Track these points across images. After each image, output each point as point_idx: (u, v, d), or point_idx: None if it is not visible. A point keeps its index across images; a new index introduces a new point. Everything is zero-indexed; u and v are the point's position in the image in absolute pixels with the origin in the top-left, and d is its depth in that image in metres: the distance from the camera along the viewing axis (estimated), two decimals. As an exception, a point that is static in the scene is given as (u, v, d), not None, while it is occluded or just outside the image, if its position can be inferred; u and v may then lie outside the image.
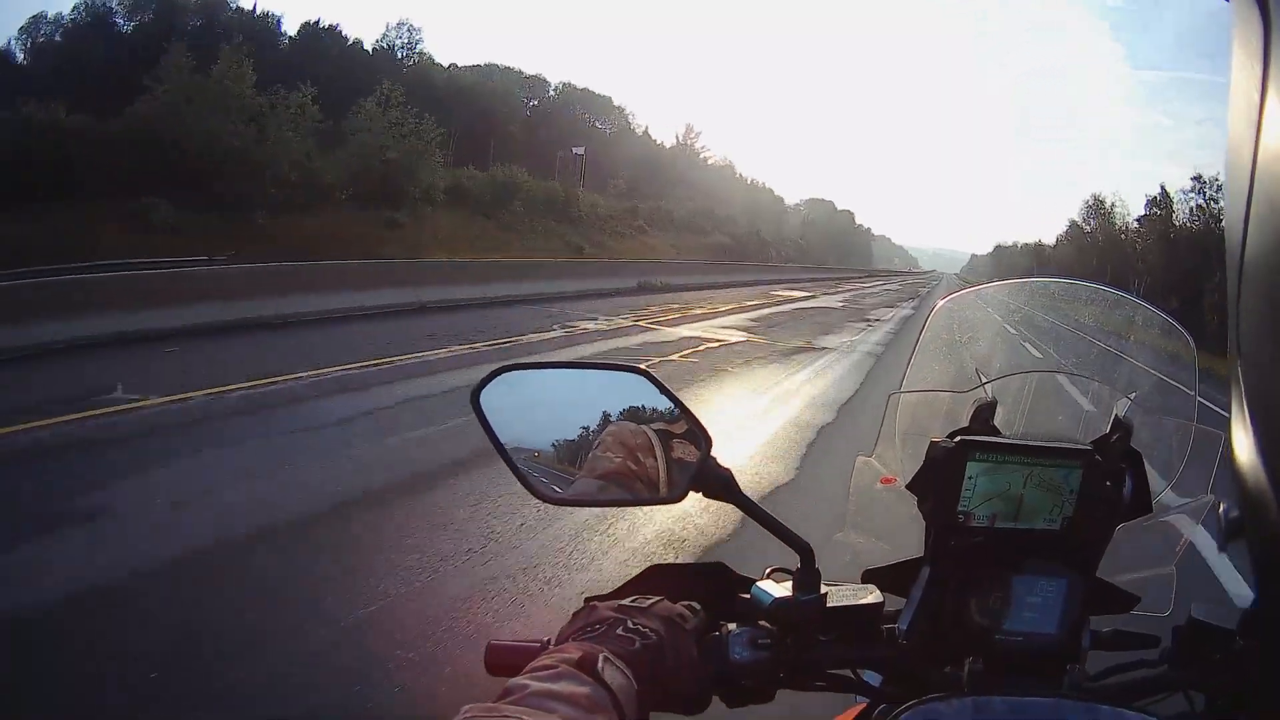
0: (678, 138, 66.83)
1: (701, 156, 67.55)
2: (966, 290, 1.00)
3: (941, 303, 0.95)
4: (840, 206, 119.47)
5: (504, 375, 0.77)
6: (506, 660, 0.72)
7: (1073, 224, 67.49)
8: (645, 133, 61.75)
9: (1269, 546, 0.39)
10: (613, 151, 53.30)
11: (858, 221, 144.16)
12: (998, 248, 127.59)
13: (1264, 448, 0.37)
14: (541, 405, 0.79)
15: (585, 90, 56.63)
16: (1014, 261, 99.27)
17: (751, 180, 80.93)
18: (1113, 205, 59.45)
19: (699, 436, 0.76)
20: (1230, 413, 0.40)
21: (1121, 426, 0.82)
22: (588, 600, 0.75)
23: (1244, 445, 0.38)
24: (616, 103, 60.05)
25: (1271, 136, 0.38)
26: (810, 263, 66.79)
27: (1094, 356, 0.96)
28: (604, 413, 0.76)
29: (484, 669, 0.75)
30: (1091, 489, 0.80)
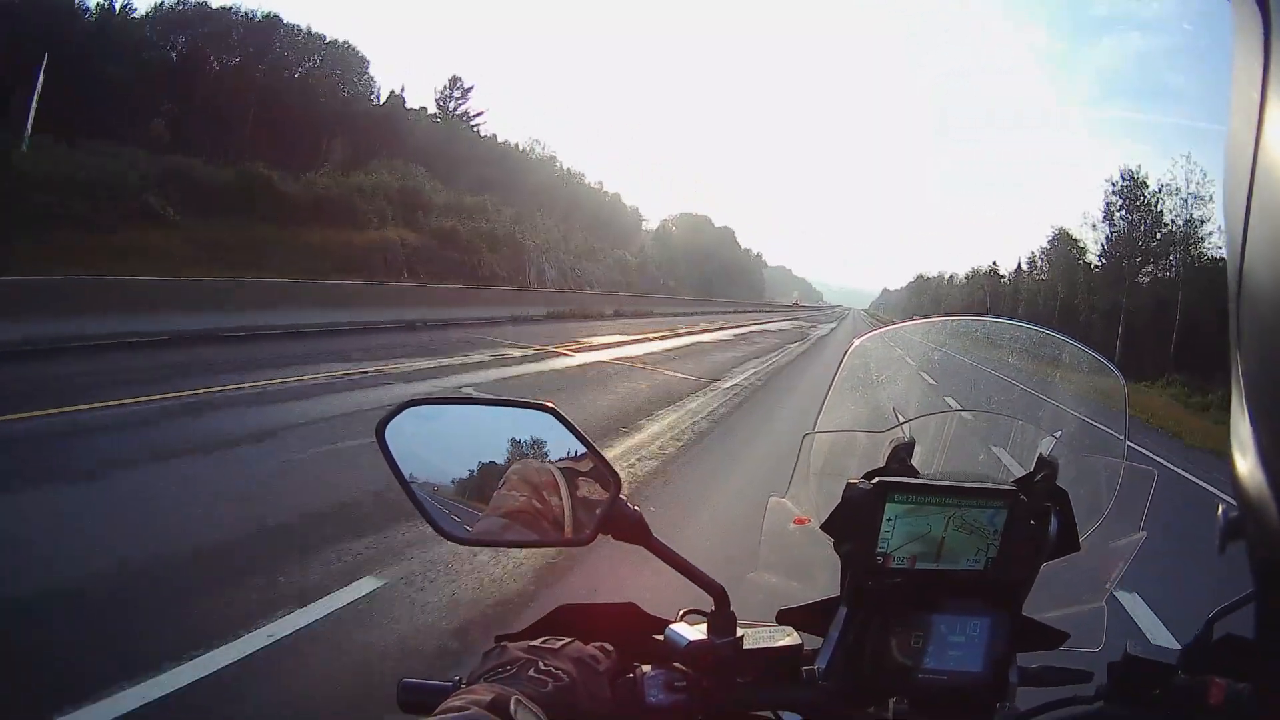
0: (438, 96, 44.56)
1: (472, 126, 45.63)
2: (882, 329, 0.99)
3: (857, 342, 0.94)
4: (723, 224, 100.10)
5: (411, 409, 0.76)
6: (418, 699, 0.72)
7: (1060, 233, 46.37)
8: (395, 94, 41.60)
9: (1269, 547, 0.39)
10: (307, 110, 34.66)
11: (745, 246, 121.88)
12: (919, 279, 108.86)
13: (1264, 446, 0.37)
14: (448, 440, 0.78)
15: (272, 18, 35.28)
16: (943, 296, 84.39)
17: (582, 177, 60.14)
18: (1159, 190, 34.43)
19: (607, 477, 0.75)
20: (1230, 411, 0.40)
21: (1046, 465, 0.82)
22: (498, 639, 0.73)
23: (1244, 444, 0.38)
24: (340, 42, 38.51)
25: (1271, 136, 0.37)
26: (637, 291, 47.72)
27: (1017, 395, 0.95)
28: (511, 449, 0.75)
29: (396, 707, 0.74)
30: (1016, 529, 0.79)
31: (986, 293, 65.88)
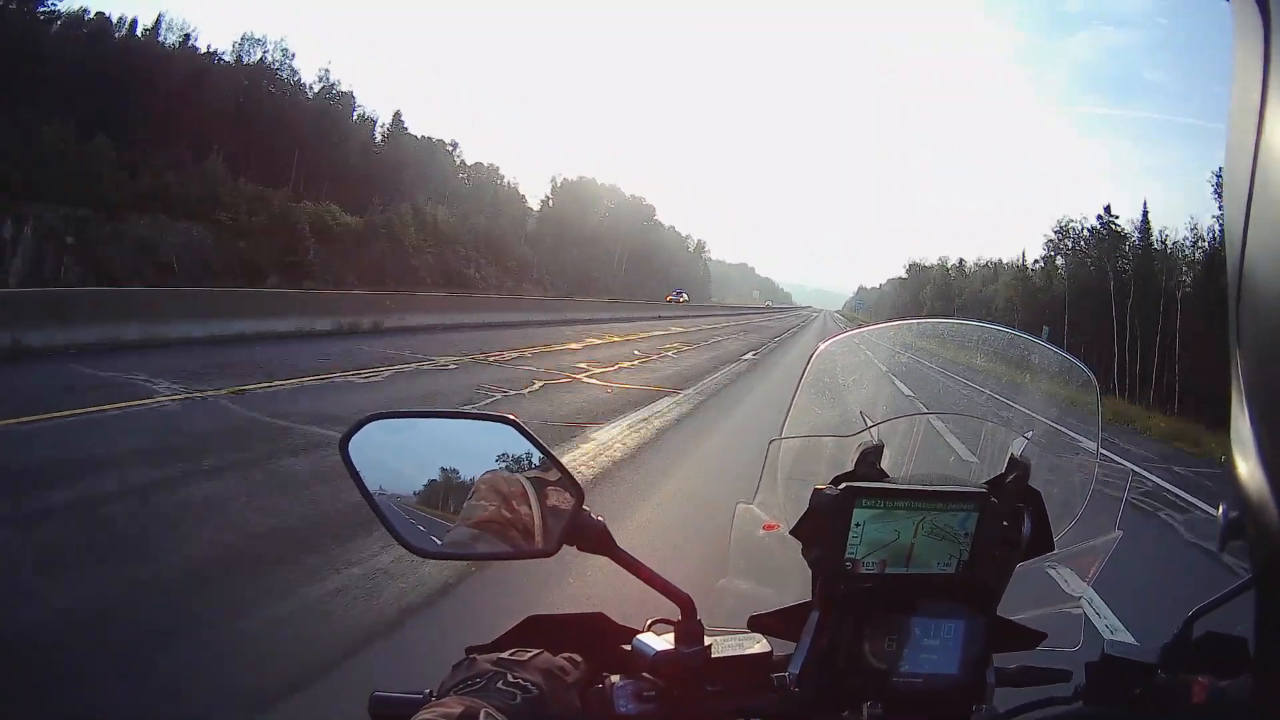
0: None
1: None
2: (849, 333, 0.99)
3: (823, 345, 0.93)
4: (635, 193, 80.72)
5: (374, 423, 0.76)
6: (389, 712, 0.72)
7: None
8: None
9: (1269, 546, 0.38)
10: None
11: (685, 234, 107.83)
12: (914, 268, 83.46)
13: (1263, 446, 0.37)
14: (413, 454, 0.77)
15: None
16: (955, 288, 66.05)
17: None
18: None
19: (570, 488, 0.75)
20: (1230, 411, 0.40)
21: (1018, 466, 0.81)
22: (468, 651, 0.73)
23: (1244, 444, 0.38)
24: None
25: (1272, 136, 0.38)
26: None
27: (986, 396, 0.95)
28: (474, 462, 0.75)
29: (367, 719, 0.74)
30: (988, 531, 0.79)
31: (1108, 267, 39.01)
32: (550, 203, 68.80)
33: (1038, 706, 0.85)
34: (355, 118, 46.77)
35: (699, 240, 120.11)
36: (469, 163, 60.12)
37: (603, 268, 66.76)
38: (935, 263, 77.49)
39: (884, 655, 0.80)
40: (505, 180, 62.30)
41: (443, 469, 0.75)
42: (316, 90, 43.56)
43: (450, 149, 57.22)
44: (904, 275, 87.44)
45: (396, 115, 50.86)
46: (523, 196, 63.55)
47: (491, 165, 62.82)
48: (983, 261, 65.89)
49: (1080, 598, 0.89)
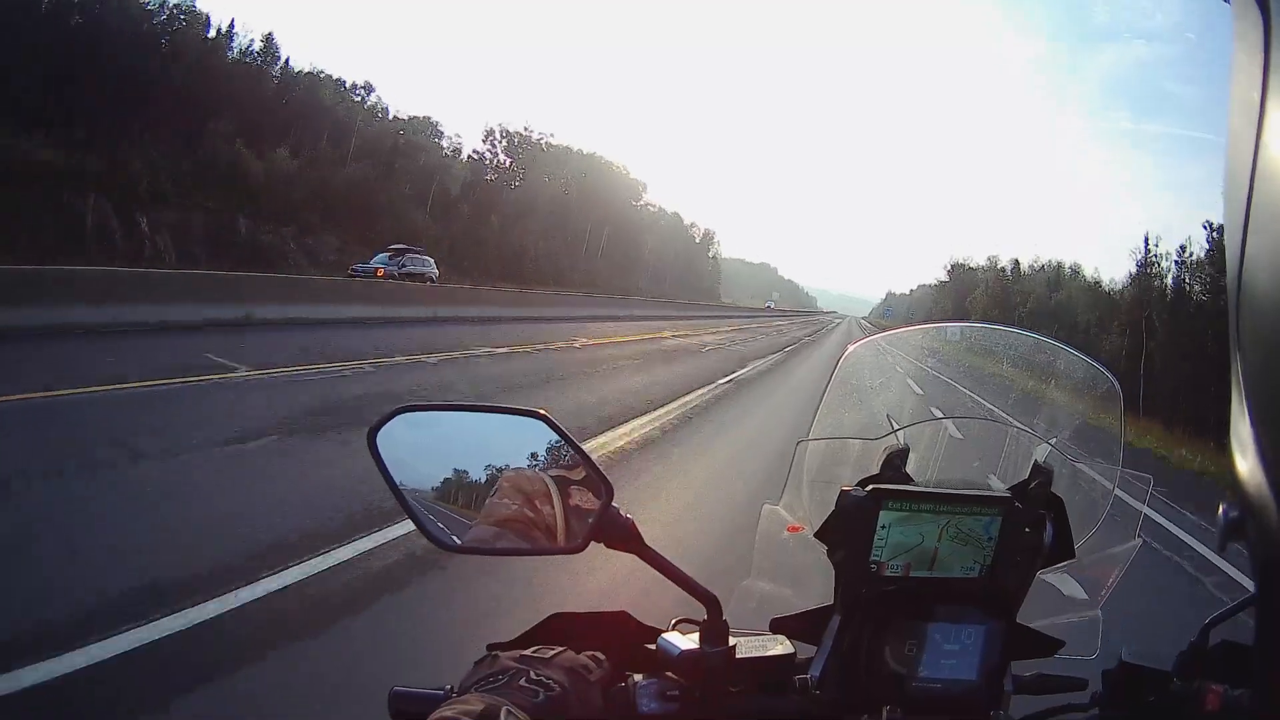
0: None
1: None
2: (876, 335, 0.99)
3: (852, 348, 0.94)
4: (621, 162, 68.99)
5: (403, 415, 0.75)
6: (409, 708, 0.72)
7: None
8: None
9: (1269, 546, 0.38)
10: None
11: (688, 221, 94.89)
12: (956, 269, 68.83)
13: (1264, 446, 0.37)
14: (441, 447, 0.77)
15: None
16: (1018, 291, 52.12)
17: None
18: None
19: (599, 484, 0.75)
20: (1230, 411, 0.39)
21: (1041, 472, 0.82)
22: (490, 648, 0.73)
23: (1244, 444, 0.38)
24: None
25: (1272, 136, 0.38)
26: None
27: (1011, 401, 0.95)
28: (504, 456, 0.75)
29: (388, 715, 0.74)
30: (1011, 536, 0.79)
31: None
32: (486, 161, 53.58)
33: (1054, 713, 0.85)
34: (235, 50, 36.01)
35: (706, 230, 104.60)
36: (405, 116, 48.79)
37: (565, 250, 51.38)
38: (984, 263, 62.88)
39: (904, 660, 0.80)
40: (446, 137, 50.44)
41: (470, 463, 0.75)
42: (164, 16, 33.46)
43: (361, 92, 45.66)
44: (944, 278, 72.91)
45: (269, 40, 38.22)
46: (450, 153, 50.25)
47: (426, 118, 50.64)
48: (1040, 263, 53.28)
49: (1098, 605, 0.89)
